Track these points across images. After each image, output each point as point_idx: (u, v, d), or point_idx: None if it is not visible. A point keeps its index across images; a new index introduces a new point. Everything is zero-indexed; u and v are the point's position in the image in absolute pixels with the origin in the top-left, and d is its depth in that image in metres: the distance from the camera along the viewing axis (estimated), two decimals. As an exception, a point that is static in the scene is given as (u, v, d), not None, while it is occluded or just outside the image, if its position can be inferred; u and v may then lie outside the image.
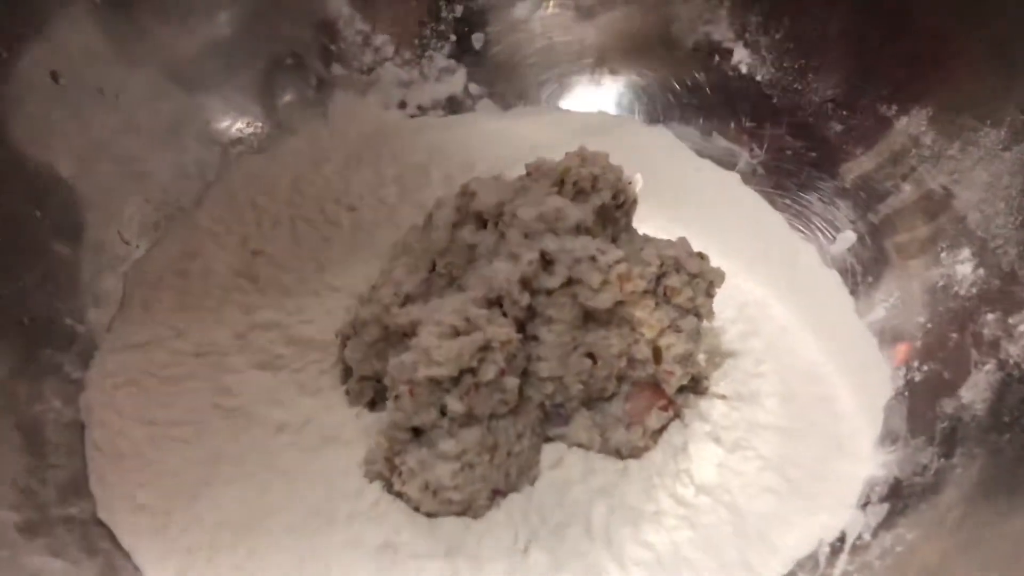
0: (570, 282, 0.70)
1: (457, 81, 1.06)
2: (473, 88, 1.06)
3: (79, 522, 0.70)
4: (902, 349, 0.83)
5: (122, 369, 0.79)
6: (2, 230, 0.76)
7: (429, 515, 0.70)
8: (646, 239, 0.79)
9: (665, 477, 0.74)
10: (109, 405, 0.76)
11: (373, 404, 0.77)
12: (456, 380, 0.67)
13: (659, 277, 0.74)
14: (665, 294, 0.75)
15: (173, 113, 0.94)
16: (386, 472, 0.71)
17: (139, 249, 0.89)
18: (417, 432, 0.69)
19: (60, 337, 0.79)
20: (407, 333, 0.70)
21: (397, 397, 0.68)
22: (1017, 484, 0.66)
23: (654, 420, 0.75)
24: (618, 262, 0.71)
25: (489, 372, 0.67)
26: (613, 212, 0.77)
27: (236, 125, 0.99)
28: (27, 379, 0.74)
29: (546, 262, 0.70)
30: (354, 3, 1.01)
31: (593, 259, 0.70)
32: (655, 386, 0.75)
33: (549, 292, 0.70)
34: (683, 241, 0.77)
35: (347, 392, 0.78)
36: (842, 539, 0.71)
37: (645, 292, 0.73)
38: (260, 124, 1.00)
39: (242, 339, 0.81)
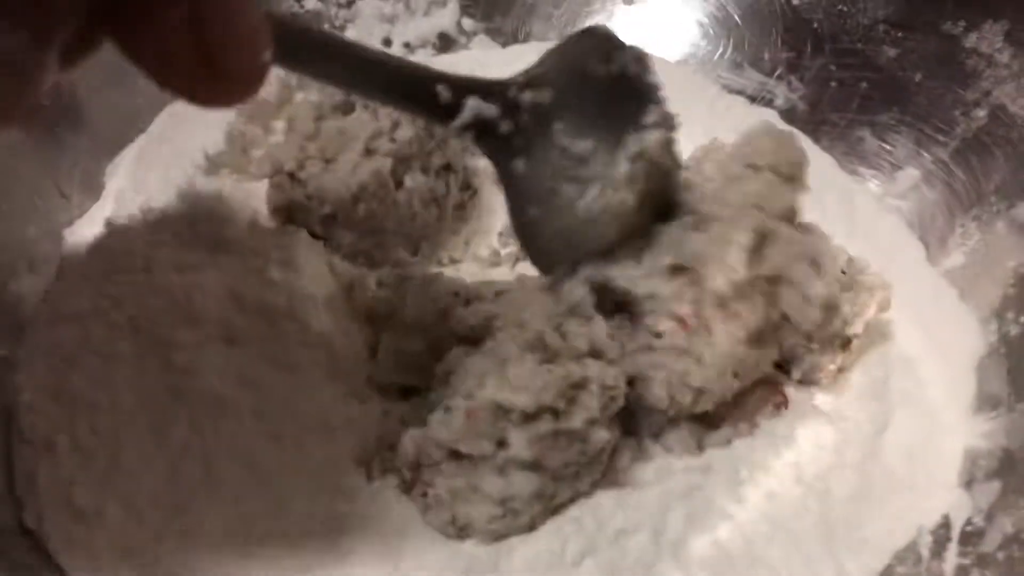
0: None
1: (448, 14, 0.96)
2: (467, 23, 0.97)
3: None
4: (990, 299, 0.74)
5: (58, 346, 0.65)
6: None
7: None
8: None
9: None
10: (43, 388, 0.63)
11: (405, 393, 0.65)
12: (529, 416, 0.54)
13: None
14: None
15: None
16: (407, 477, 0.59)
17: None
18: (458, 454, 0.56)
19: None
20: (473, 339, 0.59)
21: (448, 410, 0.55)
22: None
23: (764, 420, 0.65)
24: None
25: (576, 420, 0.54)
26: None
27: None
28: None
29: None
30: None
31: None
32: (770, 381, 0.66)
33: None
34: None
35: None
36: (946, 525, 0.62)
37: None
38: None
39: (186, 304, 0.66)
